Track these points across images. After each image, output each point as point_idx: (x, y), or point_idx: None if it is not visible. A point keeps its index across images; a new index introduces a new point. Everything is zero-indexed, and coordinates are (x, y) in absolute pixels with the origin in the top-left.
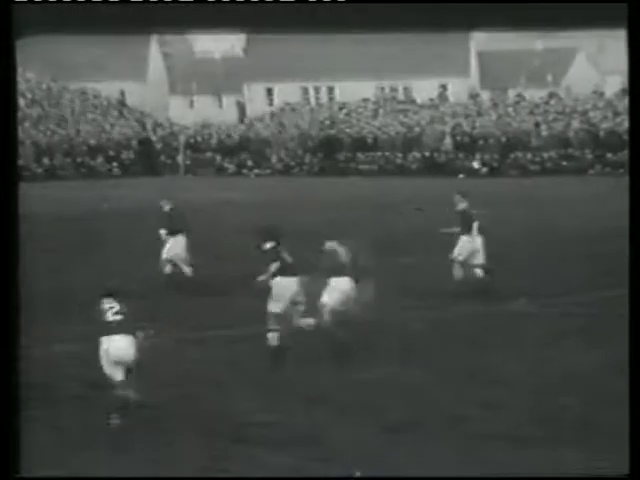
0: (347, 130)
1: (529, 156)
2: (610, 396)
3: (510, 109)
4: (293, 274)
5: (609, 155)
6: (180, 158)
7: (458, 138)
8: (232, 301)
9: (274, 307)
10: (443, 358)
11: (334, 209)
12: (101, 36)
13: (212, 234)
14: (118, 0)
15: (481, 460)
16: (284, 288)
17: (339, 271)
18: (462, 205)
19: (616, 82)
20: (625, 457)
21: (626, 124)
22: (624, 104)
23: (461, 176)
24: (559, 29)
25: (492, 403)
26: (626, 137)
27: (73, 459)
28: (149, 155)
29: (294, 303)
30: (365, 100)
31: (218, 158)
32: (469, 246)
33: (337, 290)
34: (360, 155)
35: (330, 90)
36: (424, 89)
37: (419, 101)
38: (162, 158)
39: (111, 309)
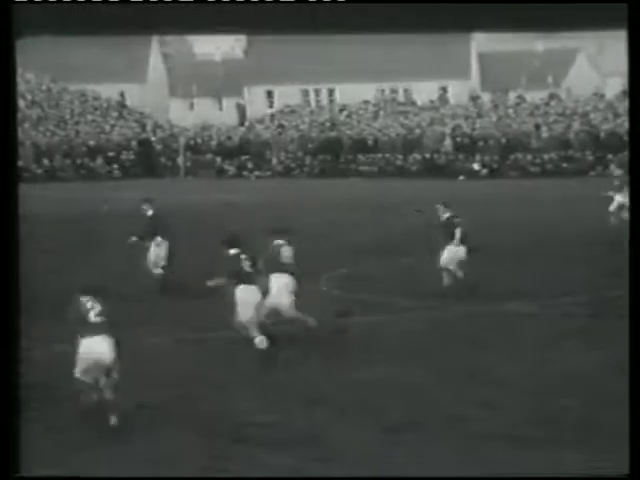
0: (347, 132)
1: (529, 158)
2: (610, 396)
3: (510, 110)
4: (253, 282)
5: (610, 157)
6: (180, 160)
7: (458, 140)
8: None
9: (243, 316)
10: (443, 358)
11: (334, 210)
12: (101, 37)
13: (212, 236)
14: (118, 1)
15: (481, 460)
16: (246, 296)
17: (282, 269)
18: (446, 214)
19: (616, 84)
20: (625, 457)
21: (626, 125)
22: (624, 106)
23: (461, 178)
24: (559, 30)
25: (492, 403)
26: (627, 138)
27: (73, 459)
28: (149, 157)
29: (258, 310)
30: (365, 102)
31: (218, 160)
32: (455, 254)
33: (276, 287)
34: (360, 157)
35: (330, 92)
36: (424, 91)
37: (419, 103)
38: (162, 160)
39: (93, 309)
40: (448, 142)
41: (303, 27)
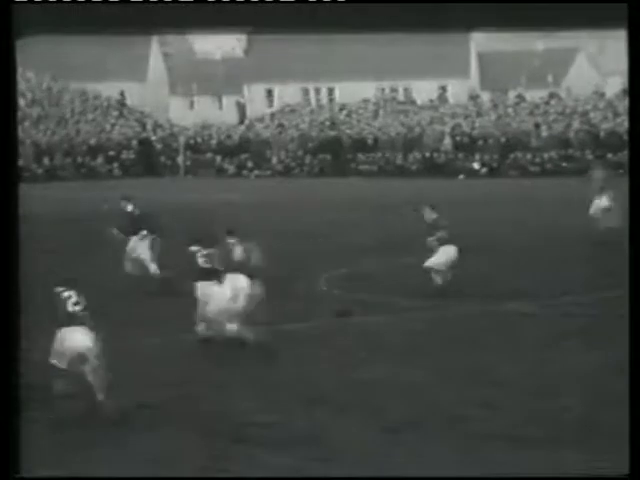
0: (347, 131)
1: (529, 157)
2: (610, 396)
3: (510, 110)
4: (211, 279)
5: (609, 156)
6: (180, 159)
7: (458, 139)
8: None
9: (207, 312)
10: (443, 358)
11: (334, 210)
12: (101, 36)
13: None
14: (118, 0)
15: (481, 460)
16: (205, 292)
17: (235, 268)
18: (432, 217)
19: (616, 83)
20: (625, 457)
21: (626, 125)
22: (624, 105)
23: (461, 177)
24: (559, 29)
25: (492, 403)
26: (626, 138)
27: (73, 459)
28: (149, 156)
29: (222, 312)
30: (365, 101)
31: (218, 159)
32: (447, 257)
33: (230, 287)
34: (360, 156)
35: (330, 91)
36: (424, 90)
37: (419, 102)
38: (162, 159)
39: (70, 299)
40: (448, 141)
41: (303, 26)
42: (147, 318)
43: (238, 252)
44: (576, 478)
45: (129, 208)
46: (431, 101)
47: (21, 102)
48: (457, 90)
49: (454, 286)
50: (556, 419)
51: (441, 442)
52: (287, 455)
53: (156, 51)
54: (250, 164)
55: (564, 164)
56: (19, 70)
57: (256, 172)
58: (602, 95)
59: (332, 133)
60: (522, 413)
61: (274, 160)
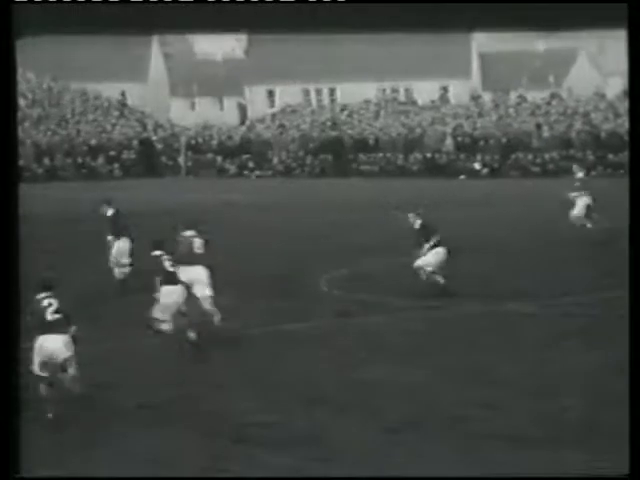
0: (348, 131)
1: (530, 157)
2: (610, 396)
3: (511, 110)
4: (174, 283)
5: (610, 156)
6: (181, 159)
7: (459, 139)
8: None
9: (158, 313)
10: (443, 358)
11: (335, 210)
12: (102, 36)
13: (211, 235)
14: (118, 0)
15: (481, 460)
16: (166, 295)
17: (192, 260)
18: (418, 222)
19: (617, 84)
20: (625, 457)
21: (627, 125)
22: (625, 105)
23: (462, 177)
24: (559, 30)
25: (492, 403)
26: (627, 138)
27: (73, 459)
28: (150, 156)
29: (181, 314)
30: (366, 101)
31: (219, 159)
32: (436, 257)
33: (187, 279)
34: (361, 156)
35: (331, 92)
36: (425, 90)
37: (420, 102)
38: (163, 159)
39: (50, 306)
40: (449, 142)
41: (304, 26)
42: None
43: (198, 244)
44: (576, 478)
45: (109, 212)
46: (432, 102)
47: (22, 102)
48: (458, 90)
49: (454, 286)
50: (556, 419)
51: (441, 442)
52: (287, 455)
53: (157, 52)
54: (251, 164)
55: (565, 164)
56: (19, 70)
57: (257, 172)
58: (603, 96)
59: (333, 134)
60: (522, 413)
61: (275, 160)
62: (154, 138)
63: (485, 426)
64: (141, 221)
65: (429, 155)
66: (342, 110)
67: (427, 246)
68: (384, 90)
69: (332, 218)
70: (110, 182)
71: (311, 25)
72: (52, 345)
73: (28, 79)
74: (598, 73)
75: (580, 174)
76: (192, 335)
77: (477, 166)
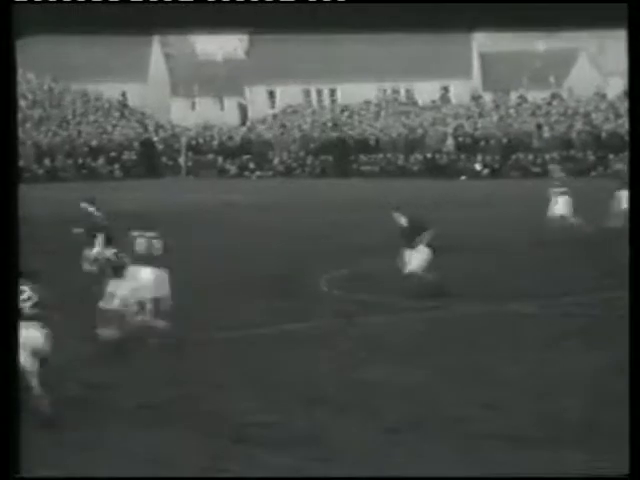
0: (349, 132)
1: (531, 158)
2: (610, 396)
3: (512, 110)
4: (121, 275)
5: (611, 157)
6: (182, 160)
7: (460, 139)
8: None
9: (105, 304)
10: (443, 358)
11: (336, 210)
12: (102, 37)
13: (210, 235)
14: (119, 0)
15: (481, 460)
16: (114, 287)
17: (149, 261)
18: (403, 220)
19: (618, 84)
20: (625, 457)
21: (627, 126)
22: (625, 106)
23: (463, 177)
24: (559, 30)
25: (492, 403)
26: (627, 139)
27: (73, 459)
28: (151, 157)
29: (125, 305)
30: (367, 102)
31: (220, 160)
32: (424, 257)
33: (138, 279)
34: (362, 157)
35: (332, 92)
36: (426, 91)
37: (421, 103)
38: (164, 160)
39: (29, 300)
40: (450, 142)
41: (304, 27)
42: None
43: (141, 246)
44: (576, 478)
45: (90, 209)
46: (433, 102)
47: (22, 103)
48: (459, 91)
49: (454, 286)
50: (556, 419)
51: (441, 442)
52: (287, 455)
53: (157, 52)
54: (252, 165)
55: (566, 165)
56: (20, 71)
57: (258, 173)
58: (604, 96)
59: (334, 134)
60: (522, 413)
61: (276, 161)
62: (155, 139)
63: (485, 426)
64: (140, 222)
65: (430, 155)
66: (343, 111)
67: (420, 244)
68: (385, 90)
69: (332, 218)
70: (110, 183)
71: (311, 25)
72: (31, 336)
73: (28, 80)
74: (598, 73)
75: (559, 174)
76: (111, 333)
77: (478, 166)
